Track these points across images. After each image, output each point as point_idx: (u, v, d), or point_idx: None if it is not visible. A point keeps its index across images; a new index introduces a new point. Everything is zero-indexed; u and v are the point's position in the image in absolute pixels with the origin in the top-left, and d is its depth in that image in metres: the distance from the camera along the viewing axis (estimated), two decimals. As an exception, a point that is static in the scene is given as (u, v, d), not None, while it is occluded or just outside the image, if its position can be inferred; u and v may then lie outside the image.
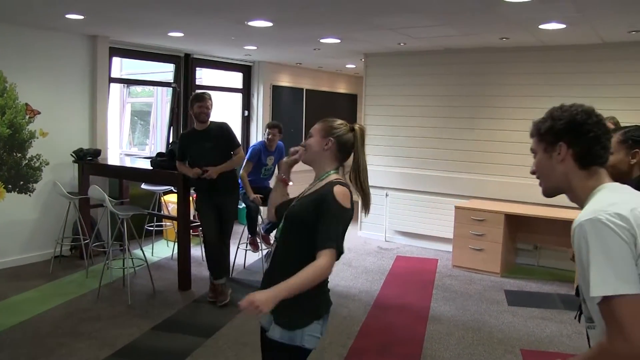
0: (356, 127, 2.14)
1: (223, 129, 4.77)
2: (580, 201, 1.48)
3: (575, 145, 1.46)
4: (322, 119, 2.19)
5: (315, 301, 2.01)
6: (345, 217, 1.99)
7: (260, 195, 5.23)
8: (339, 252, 1.93)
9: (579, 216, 1.36)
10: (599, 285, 1.24)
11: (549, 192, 1.56)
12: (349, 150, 2.13)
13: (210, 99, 4.72)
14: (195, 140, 4.68)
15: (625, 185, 1.49)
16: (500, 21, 4.67)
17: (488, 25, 4.91)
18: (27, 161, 5.56)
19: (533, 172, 1.58)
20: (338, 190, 1.98)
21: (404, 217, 6.87)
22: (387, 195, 6.97)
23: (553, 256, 5.93)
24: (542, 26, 4.77)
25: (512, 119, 6.04)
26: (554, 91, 5.79)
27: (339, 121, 2.16)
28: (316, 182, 2.12)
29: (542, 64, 5.89)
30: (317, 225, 1.93)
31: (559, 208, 5.15)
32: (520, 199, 5.91)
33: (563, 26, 4.72)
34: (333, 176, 2.09)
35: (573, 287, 5.00)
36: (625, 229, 1.27)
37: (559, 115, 1.49)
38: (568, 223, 2.12)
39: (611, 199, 1.37)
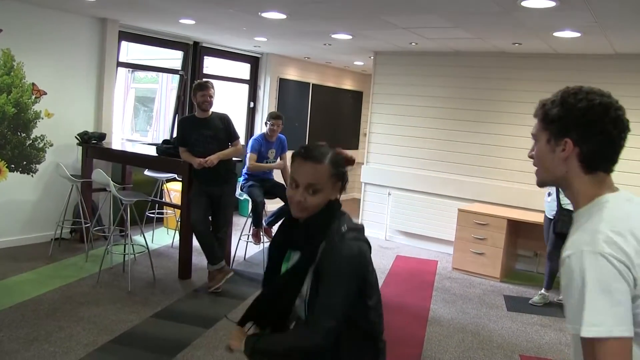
0: None
1: (224, 120, 4.78)
2: (576, 204, 1.32)
3: (584, 145, 1.26)
4: None
5: None
6: None
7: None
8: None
9: (576, 240, 1.20)
10: (594, 325, 1.12)
11: (543, 185, 1.40)
12: None
13: (212, 87, 4.72)
14: (195, 127, 4.68)
15: (633, 198, 1.31)
16: (516, 26, 4.65)
17: (502, 29, 4.89)
18: (31, 141, 5.51)
19: (531, 157, 1.39)
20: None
21: (406, 216, 6.86)
22: (389, 194, 6.96)
23: (552, 264, 5.93)
24: (556, 34, 4.75)
25: (519, 125, 6.02)
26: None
27: None
28: None
29: (552, 72, 5.87)
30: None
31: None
32: (523, 205, 5.91)
33: (578, 35, 4.71)
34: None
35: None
36: (625, 265, 1.14)
37: (572, 103, 1.27)
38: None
39: (615, 223, 1.19)
